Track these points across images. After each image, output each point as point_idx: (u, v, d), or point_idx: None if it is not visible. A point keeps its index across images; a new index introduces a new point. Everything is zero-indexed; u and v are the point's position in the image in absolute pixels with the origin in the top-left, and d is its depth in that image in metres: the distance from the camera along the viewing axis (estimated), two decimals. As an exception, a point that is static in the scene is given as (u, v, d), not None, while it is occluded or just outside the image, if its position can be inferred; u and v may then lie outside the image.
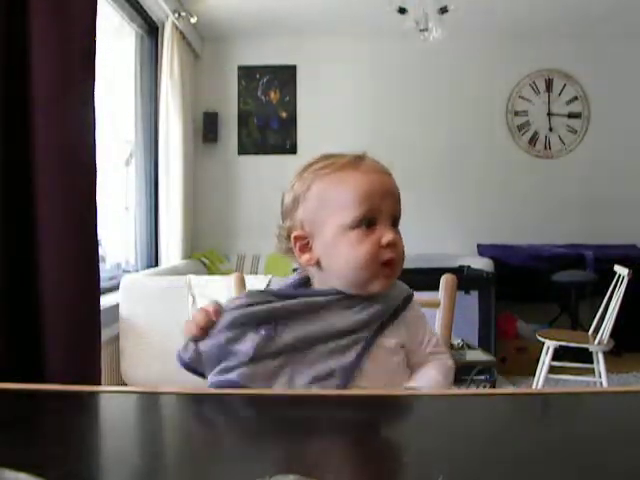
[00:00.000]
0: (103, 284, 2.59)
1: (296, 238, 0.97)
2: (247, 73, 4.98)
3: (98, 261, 1.93)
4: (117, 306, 2.93)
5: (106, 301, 2.79)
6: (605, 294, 3.36)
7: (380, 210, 0.94)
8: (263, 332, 0.93)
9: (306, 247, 0.97)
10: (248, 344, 0.92)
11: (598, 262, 4.37)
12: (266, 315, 0.94)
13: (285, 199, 1.01)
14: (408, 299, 1.03)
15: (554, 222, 4.88)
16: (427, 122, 4.94)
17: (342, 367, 0.92)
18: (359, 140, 4.49)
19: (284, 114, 5.00)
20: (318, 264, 0.97)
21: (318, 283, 1.00)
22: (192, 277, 3.00)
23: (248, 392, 0.88)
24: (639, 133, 4.92)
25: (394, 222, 0.96)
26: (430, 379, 1.00)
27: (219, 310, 0.96)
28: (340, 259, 0.94)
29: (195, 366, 0.98)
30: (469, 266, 4.23)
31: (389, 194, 0.96)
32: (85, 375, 1.80)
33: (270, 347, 0.92)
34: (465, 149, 4.94)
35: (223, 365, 0.94)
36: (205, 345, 0.95)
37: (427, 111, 4.95)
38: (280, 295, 0.98)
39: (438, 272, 1.40)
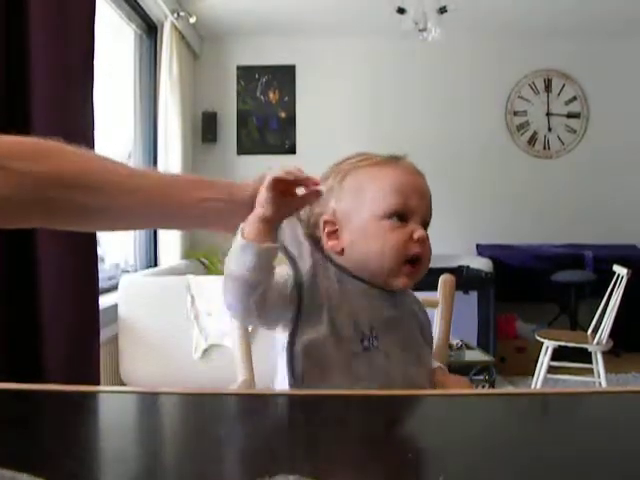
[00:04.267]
0: (102, 284, 2.59)
1: (326, 222, 0.98)
2: (246, 73, 4.98)
3: (97, 261, 1.93)
4: (116, 306, 2.93)
5: (105, 301, 2.79)
6: (604, 294, 3.36)
7: (413, 208, 0.95)
8: None
9: (333, 234, 0.98)
10: None
11: (597, 262, 4.38)
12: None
13: None
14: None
15: (553, 222, 4.89)
16: (426, 122, 4.94)
17: None
18: (358, 140, 4.49)
19: (283, 114, 5.00)
20: (342, 252, 0.97)
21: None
22: (191, 277, 3.00)
23: (248, 392, 0.88)
24: (638, 133, 4.92)
25: (425, 224, 0.97)
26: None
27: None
28: (368, 247, 0.94)
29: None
30: (468, 266, 4.24)
31: (423, 196, 0.98)
32: (84, 375, 1.80)
33: None
34: (464, 149, 4.94)
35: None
36: None
37: (426, 111, 4.96)
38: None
39: (437, 272, 1.40)
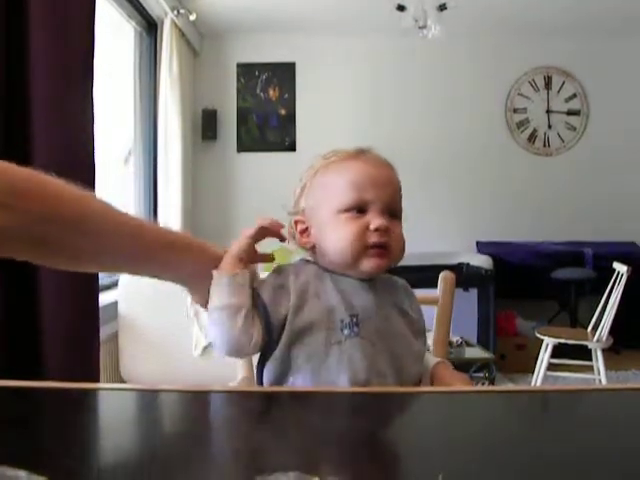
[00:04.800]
0: (102, 281, 2.60)
1: (296, 222, 1.02)
2: (246, 70, 4.98)
3: (97, 259, 1.93)
4: (116, 304, 2.93)
5: (105, 299, 2.79)
6: (604, 291, 3.37)
7: (372, 199, 0.95)
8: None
9: (305, 232, 1.01)
10: None
11: (597, 259, 4.38)
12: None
13: (295, 192, 1.05)
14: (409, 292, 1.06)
15: (553, 219, 4.89)
16: (426, 119, 4.94)
17: None
18: (358, 137, 4.48)
19: (283, 111, 4.99)
20: (314, 248, 1.00)
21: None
22: (191, 275, 2.99)
23: (248, 390, 0.88)
24: (638, 130, 4.92)
25: (391, 213, 0.97)
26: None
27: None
28: (329, 240, 0.96)
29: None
30: (468, 263, 4.23)
31: (385, 184, 0.97)
32: (84, 372, 1.80)
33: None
34: (464, 146, 4.94)
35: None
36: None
37: (426, 108, 4.95)
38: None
39: (437, 269, 1.40)
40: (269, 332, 0.93)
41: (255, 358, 0.99)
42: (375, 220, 0.94)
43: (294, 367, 0.93)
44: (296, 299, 0.93)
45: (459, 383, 1.00)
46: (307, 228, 1.00)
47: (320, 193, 0.99)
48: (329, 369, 0.91)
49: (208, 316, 0.93)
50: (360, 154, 1.00)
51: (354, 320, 0.93)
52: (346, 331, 0.93)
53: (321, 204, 0.98)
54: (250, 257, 0.96)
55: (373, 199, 0.95)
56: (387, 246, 0.95)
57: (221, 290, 0.91)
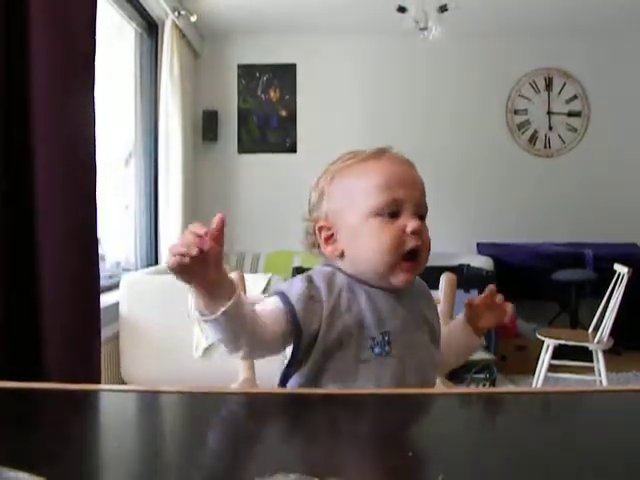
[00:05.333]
0: (103, 283, 2.60)
1: (320, 228, 0.96)
2: (247, 71, 4.98)
3: (98, 260, 1.93)
4: (117, 305, 2.93)
5: (106, 300, 2.79)
6: (605, 293, 3.36)
7: (403, 200, 0.92)
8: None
9: (330, 238, 0.96)
10: None
11: (598, 260, 4.37)
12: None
13: (311, 196, 1.00)
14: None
15: (554, 220, 4.88)
16: (427, 121, 4.94)
17: None
18: (358, 139, 4.49)
19: (284, 112, 4.99)
20: (342, 255, 0.95)
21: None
22: (192, 276, 2.99)
23: (249, 391, 0.88)
24: (638, 131, 4.92)
25: (420, 214, 0.94)
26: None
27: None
28: (363, 248, 0.92)
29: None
30: (469, 265, 4.23)
31: (412, 184, 0.95)
32: (85, 374, 1.80)
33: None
34: (465, 148, 4.94)
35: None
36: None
37: (427, 110, 4.95)
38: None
39: (438, 270, 1.40)
40: (298, 345, 0.89)
41: (266, 360, 0.95)
42: (411, 222, 0.91)
43: (322, 383, 0.90)
44: (329, 314, 0.89)
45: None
46: (333, 234, 0.96)
47: (345, 196, 0.94)
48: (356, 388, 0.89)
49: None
50: (382, 153, 0.97)
51: (386, 339, 0.91)
52: (377, 349, 0.90)
53: (348, 209, 0.94)
54: (204, 273, 0.79)
55: (405, 199, 0.92)
56: (419, 252, 0.93)
57: (208, 331, 0.83)
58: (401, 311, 0.94)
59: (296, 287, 0.90)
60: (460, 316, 1.07)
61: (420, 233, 0.92)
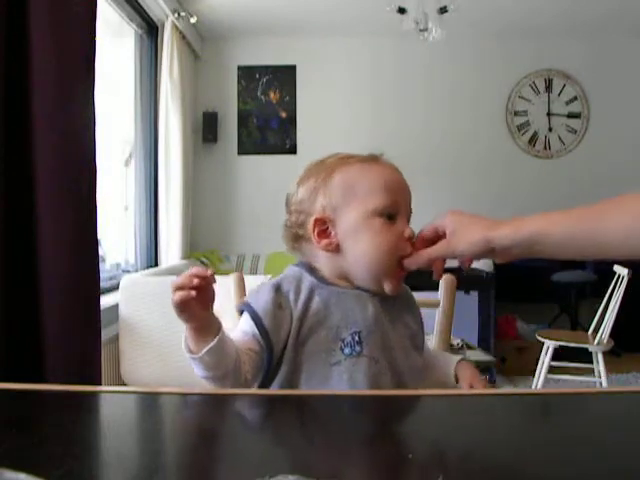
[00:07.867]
0: (103, 284, 2.60)
1: (316, 221, 0.96)
2: (247, 73, 4.98)
3: (98, 261, 1.93)
4: (117, 306, 2.93)
5: (106, 301, 2.79)
6: (605, 294, 3.36)
7: (401, 204, 0.96)
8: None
9: (324, 232, 0.97)
10: None
11: (598, 262, 4.37)
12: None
13: (298, 193, 1.00)
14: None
15: (554, 222, 4.87)
16: (427, 122, 4.94)
17: None
18: (358, 140, 4.49)
19: (284, 114, 4.99)
20: (337, 249, 0.96)
21: (329, 271, 0.98)
22: (192, 277, 2.99)
23: (248, 392, 0.88)
24: (638, 133, 4.92)
25: (408, 220, 0.98)
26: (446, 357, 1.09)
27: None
28: (362, 244, 0.94)
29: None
30: (469, 266, 4.23)
31: (406, 190, 0.99)
32: (85, 375, 1.80)
33: None
34: (465, 149, 4.94)
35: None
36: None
37: (427, 111, 4.95)
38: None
39: (438, 272, 1.40)
40: (270, 360, 0.91)
41: None
42: (407, 229, 0.95)
43: (298, 387, 0.92)
44: (298, 323, 0.91)
45: (480, 386, 1.01)
46: (327, 228, 0.96)
47: (346, 192, 0.96)
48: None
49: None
50: (377, 158, 1.00)
51: (356, 338, 0.92)
52: (347, 350, 0.91)
53: (350, 204, 0.95)
54: (199, 314, 0.83)
55: (402, 203, 0.96)
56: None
57: (197, 369, 0.86)
58: (373, 310, 0.95)
59: (263, 299, 0.92)
60: (452, 366, 1.08)
61: (411, 239, 0.96)
